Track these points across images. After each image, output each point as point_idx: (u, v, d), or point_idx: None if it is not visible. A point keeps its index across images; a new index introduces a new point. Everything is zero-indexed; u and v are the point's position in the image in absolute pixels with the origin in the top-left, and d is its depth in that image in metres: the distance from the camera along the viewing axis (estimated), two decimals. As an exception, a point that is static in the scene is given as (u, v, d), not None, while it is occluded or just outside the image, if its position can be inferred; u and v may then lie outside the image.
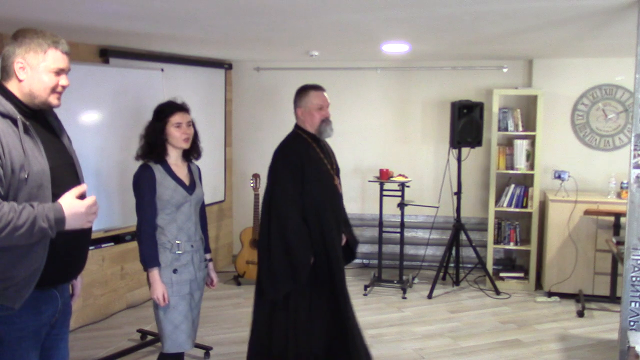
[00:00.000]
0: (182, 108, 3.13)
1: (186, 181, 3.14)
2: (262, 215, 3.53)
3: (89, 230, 2.30)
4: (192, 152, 3.23)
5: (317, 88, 3.67)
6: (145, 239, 3.02)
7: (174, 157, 3.13)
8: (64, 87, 2.23)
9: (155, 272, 3.00)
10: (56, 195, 2.13)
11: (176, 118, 3.07)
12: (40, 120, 2.25)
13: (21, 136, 2.07)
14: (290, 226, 3.40)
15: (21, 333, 2.15)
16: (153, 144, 3.07)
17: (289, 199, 3.42)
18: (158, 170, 3.05)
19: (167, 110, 3.10)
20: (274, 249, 3.41)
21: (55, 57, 2.17)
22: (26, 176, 2.04)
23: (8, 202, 1.99)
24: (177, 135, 3.07)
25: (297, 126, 3.67)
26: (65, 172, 2.26)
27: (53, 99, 2.21)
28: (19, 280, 2.07)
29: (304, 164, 3.52)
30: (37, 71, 2.15)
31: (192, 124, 3.16)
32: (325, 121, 3.66)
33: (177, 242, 3.07)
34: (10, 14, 3.31)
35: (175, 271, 3.05)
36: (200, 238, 3.25)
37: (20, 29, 2.19)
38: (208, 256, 3.32)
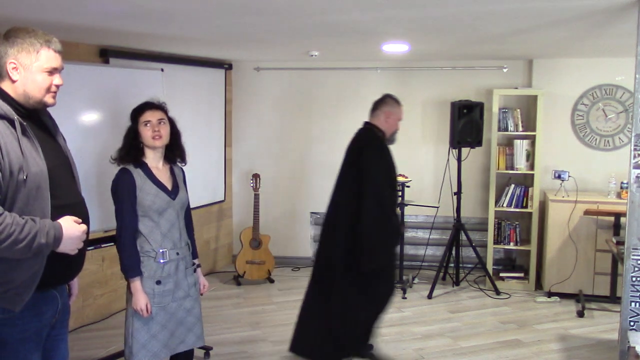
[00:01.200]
0: (152, 105, 3.03)
1: (168, 185, 3.04)
2: (348, 198, 3.83)
3: (87, 230, 2.29)
4: (174, 154, 3.12)
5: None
6: (126, 247, 2.93)
7: (153, 160, 3.03)
8: (58, 87, 2.21)
9: (137, 282, 2.91)
10: (53, 197, 2.12)
11: (145, 116, 2.98)
12: (35, 120, 2.23)
13: (19, 137, 2.05)
14: (388, 207, 3.87)
15: (23, 335, 2.15)
16: (128, 145, 2.99)
17: (384, 184, 3.87)
18: (138, 174, 2.96)
19: (137, 109, 3.02)
20: (375, 224, 3.75)
21: (48, 57, 2.15)
22: (25, 178, 2.03)
23: (10, 214, 1.98)
24: (146, 133, 2.97)
25: (373, 125, 4.05)
26: (62, 173, 2.25)
27: (48, 99, 2.20)
28: (19, 284, 2.07)
29: (391, 159, 4.03)
30: (30, 71, 2.13)
31: (166, 121, 3.03)
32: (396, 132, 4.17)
33: (162, 250, 2.98)
34: (10, 14, 3.31)
35: (158, 282, 2.97)
36: (187, 244, 3.14)
37: (11, 28, 2.16)
38: (196, 261, 3.23)
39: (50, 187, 2.12)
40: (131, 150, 3.00)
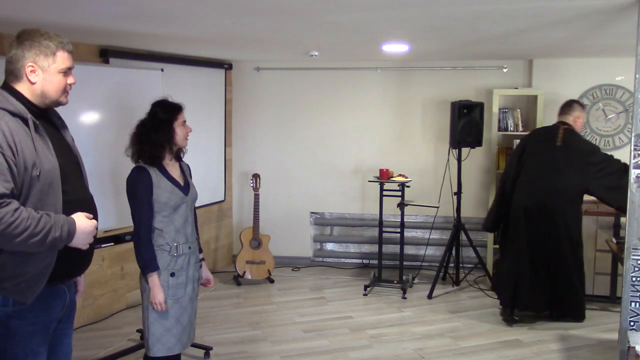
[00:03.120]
0: (182, 107, 3.13)
1: (180, 181, 3.10)
2: (574, 173, 4.77)
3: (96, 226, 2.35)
4: (180, 151, 3.19)
5: None
6: (144, 243, 2.98)
7: (168, 157, 3.08)
8: (71, 86, 2.30)
9: (155, 277, 2.97)
10: (64, 192, 2.20)
11: (182, 116, 3.08)
12: (46, 119, 2.30)
13: (32, 135, 2.12)
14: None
15: (32, 327, 2.20)
16: (160, 144, 3.00)
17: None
18: (154, 172, 3.00)
19: (173, 108, 3.08)
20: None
21: (63, 58, 2.25)
22: (38, 174, 2.10)
23: (26, 209, 2.04)
24: (182, 133, 3.07)
25: (569, 124, 4.97)
26: (71, 170, 2.31)
27: (62, 98, 2.29)
28: (30, 276, 2.12)
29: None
30: (48, 73, 2.21)
31: None
32: None
33: (176, 244, 3.04)
34: (11, 14, 3.31)
35: (172, 275, 3.02)
36: (196, 239, 3.22)
37: (23, 31, 2.22)
38: (201, 255, 3.28)
39: (63, 183, 2.19)
40: (162, 148, 3.01)
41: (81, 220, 2.19)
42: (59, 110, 2.38)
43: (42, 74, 2.20)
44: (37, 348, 2.22)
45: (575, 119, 4.98)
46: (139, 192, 2.98)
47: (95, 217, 2.34)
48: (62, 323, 2.38)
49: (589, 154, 4.80)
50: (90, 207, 2.35)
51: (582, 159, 4.78)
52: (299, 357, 4.28)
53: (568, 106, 5.03)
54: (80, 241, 2.19)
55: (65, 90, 2.28)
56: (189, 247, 3.11)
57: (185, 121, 3.10)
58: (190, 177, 3.26)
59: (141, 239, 2.99)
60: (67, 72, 2.26)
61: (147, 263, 2.98)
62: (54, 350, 2.35)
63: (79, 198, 2.30)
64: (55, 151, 2.20)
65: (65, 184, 2.20)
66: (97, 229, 2.28)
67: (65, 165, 2.23)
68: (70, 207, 2.20)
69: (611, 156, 4.77)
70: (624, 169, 4.57)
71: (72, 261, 2.28)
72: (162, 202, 2.99)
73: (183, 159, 3.25)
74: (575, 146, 4.87)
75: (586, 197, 5.43)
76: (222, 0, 2.98)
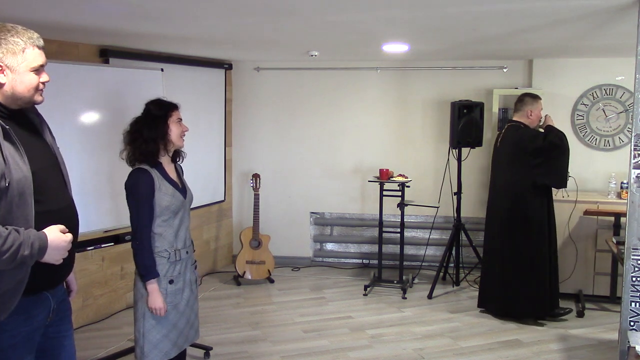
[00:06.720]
0: (177, 105, 3.04)
1: (179, 184, 3.04)
2: (523, 169, 4.77)
3: (76, 232, 2.24)
4: (179, 153, 3.12)
5: None
6: (145, 248, 2.89)
7: (164, 159, 3.01)
8: (44, 84, 2.14)
9: (155, 284, 2.89)
10: (39, 202, 2.06)
11: (177, 113, 2.99)
12: (20, 119, 2.15)
13: (1, 142, 1.96)
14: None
15: (13, 340, 2.09)
16: (154, 144, 2.90)
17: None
18: (155, 174, 2.91)
19: (167, 105, 2.99)
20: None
21: (34, 55, 2.07)
22: (7, 185, 1.94)
23: None
24: (177, 131, 2.97)
25: (517, 122, 4.87)
26: (50, 175, 2.18)
27: (37, 97, 2.13)
28: (3, 292, 2.00)
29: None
30: (18, 73, 2.05)
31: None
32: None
33: (174, 250, 2.97)
34: (10, 14, 3.31)
35: (171, 282, 2.97)
36: (192, 242, 3.16)
37: None
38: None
39: (37, 192, 2.04)
40: (155, 148, 2.92)
41: (53, 235, 2.03)
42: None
43: (11, 74, 2.03)
44: (21, 359, 2.12)
45: (529, 114, 4.85)
46: (139, 194, 2.88)
47: (75, 226, 2.22)
48: (58, 326, 2.28)
49: (520, 142, 4.74)
50: (68, 216, 2.21)
51: (518, 150, 4.75)
52: (299, 357, 4.28)
53: (519, 102, 4.93)
54: (53, 257, 2.04)
55: (38, 89, 2.10)
56: (187, 252, 3.06)
57: (180, 119, 3.00)
58: (183, 177, 3.20)
59: (141, 243, 2.89)
60: (39, 69, 2.09)
61: (149, 270, 2.89)
62: (55, 353, 2.28)
63: (56, 207, 2.16)
64: (31, 156, 2.04)
65: (41, 193, 2.05)
66: (72, 242, 2.13)
67: (41, 171, 2.08)
68: (45, 218, 2.06)
69: (549, 142, 4.69)
70: (559, 145, 4.66)
71: (50, 271, 2.14)
72: (163, 206, 2.91)
73: (179, 161, 3.16)
74: (510, 140, 4.82)
75: (586, 198, 5.46)
76: (222, 0, 2.98)
